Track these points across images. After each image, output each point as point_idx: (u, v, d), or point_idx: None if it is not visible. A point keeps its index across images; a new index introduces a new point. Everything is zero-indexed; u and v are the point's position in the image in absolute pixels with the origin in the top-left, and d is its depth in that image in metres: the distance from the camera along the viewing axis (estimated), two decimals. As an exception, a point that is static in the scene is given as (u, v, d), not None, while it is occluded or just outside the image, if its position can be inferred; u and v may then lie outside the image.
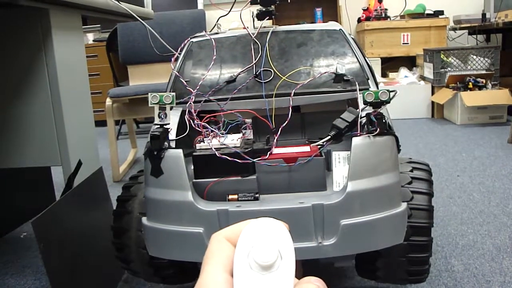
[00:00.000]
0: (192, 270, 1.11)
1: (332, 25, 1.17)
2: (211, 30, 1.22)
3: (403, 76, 3.78)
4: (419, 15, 4.01)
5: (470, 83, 3.28)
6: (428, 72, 3.61)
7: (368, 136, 0.87)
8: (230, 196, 0.90)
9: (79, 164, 1.20)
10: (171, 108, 0.93)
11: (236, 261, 0.31)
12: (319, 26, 1.17)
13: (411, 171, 1.02)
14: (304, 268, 0.97)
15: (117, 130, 3.58)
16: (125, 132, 3.52)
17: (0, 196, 1.75)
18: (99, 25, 4.15)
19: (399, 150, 0.92)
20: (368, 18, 4.04)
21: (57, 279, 1.05)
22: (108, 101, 2.42)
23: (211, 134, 0.97)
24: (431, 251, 1.00)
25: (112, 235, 1.08)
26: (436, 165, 2.32)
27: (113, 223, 1.07)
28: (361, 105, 0.93)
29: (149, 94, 0.90)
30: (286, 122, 0.97)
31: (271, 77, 1.05)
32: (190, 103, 1.01)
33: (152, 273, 1.07)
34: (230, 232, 0.34)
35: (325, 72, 1.05)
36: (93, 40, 4.23)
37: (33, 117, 1.16)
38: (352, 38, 1.14)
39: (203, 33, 1.18)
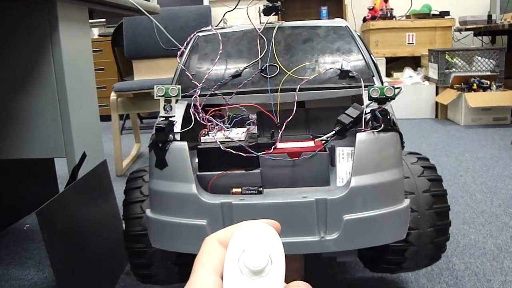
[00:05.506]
0: None
1: (338, 22, 1.17)
2: (217, 25, 1.23)
3: (408, 76, 3.77)
4: (424, 15, 4.00)
5: (474, 84, 3.28)
6: (433, 72, 3.60)
7: (373, 132, 0.87)
8: (234, 189, 0.90)
9: (84, 156, 1.21)
10: (176, 101, 0.93)
11: (226, 265, 0.32)
12: (325, 22, 1.18)
13: (417, 161, 1.06)
14: (306, 263, 0.98)
15: (121, 125, 3.59)
16: (129, 127, 3.53)
17: (4, 188, 1.76)
18: (104, 20, 4.15)
19: (403, 147, 0.92)
20: (373, 18, 4.03)
21: (60, 269, 1.05)
22: (113, 95, 2.43)
23: (216, 127, 0.97)
24: (449, 233, 1.04)
25: (128, 241, 1.02)
26: (439, 165, 2.31)
27: (127, 227, 1.03)
28: (366, 101, 0.93)
29: (155, 86, 0.90)
30: (291, 117, 0.97)
31: (277, 72, 1.06)
32: (196, 96, 1.02)
33: (177, 271, 1.04)
34: (223, 235, 0.34)
35: (330, 68, 1.05)
36: (98, 35, 4.24)
37: (39, 109, 1.16)
38: (358, 35, 1.14)
39: (209, 27, 1.18)
